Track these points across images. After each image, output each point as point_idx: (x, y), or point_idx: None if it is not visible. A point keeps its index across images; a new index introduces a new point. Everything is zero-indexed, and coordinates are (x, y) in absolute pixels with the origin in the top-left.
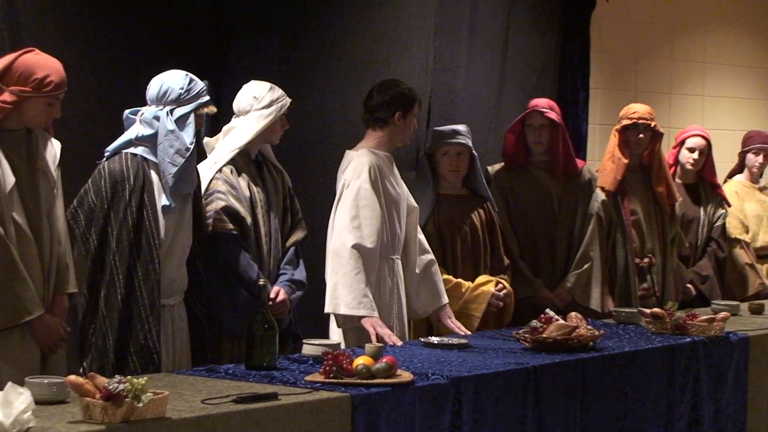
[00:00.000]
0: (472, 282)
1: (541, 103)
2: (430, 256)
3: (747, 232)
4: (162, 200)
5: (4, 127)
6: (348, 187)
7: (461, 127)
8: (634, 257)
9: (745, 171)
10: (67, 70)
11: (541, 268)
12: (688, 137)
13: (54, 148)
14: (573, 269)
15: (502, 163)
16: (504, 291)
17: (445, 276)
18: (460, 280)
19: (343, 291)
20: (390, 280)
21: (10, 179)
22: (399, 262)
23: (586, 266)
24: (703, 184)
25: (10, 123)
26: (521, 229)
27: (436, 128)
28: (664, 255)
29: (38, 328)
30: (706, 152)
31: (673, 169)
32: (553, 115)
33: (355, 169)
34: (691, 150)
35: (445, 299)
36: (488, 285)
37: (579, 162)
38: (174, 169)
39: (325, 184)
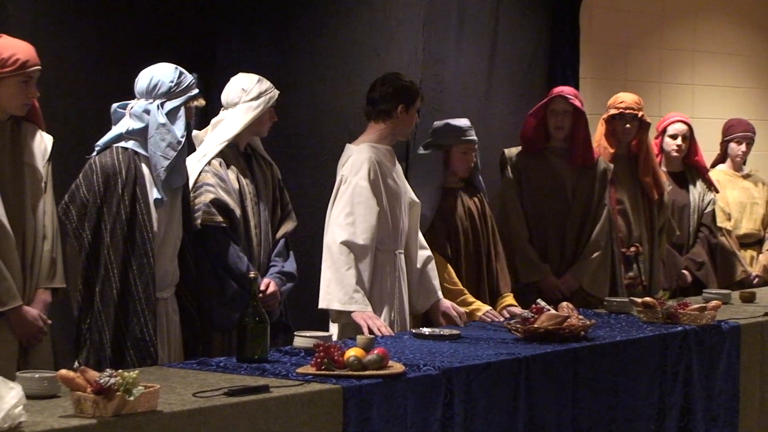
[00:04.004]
0: (475, 288)
1: (566, 89)
2: (428, 252)
3: (729, 219)
4: (154, 194)
5: None
6: (345, 183)
7: (468, 122)
8: (620, 246)
9: (728, 160)
10: (54, 65)
11: (550, 254)
12: (669, 124)
13: (44, 142)
14: (583, 257)
15: (519, 147)
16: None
17: (452, 279)
18: (464, 290)
19: (336, 287)
20: (393, 274)
21: None
22: (402, 256)
23: (596, 254)
24: (690, 170)
25: None
26: (533, 213)
27: (449, 122)
28: (651, 244)
29: (15, 321)
30: (689, 137)
31: (658, 158)
32: (577, 103)
33: (354, 165)
34: (674, 137)
35: (440, 294)
36: (481, 309)
37: (595, 151)
38: (166, 163)
39: (315, 176)
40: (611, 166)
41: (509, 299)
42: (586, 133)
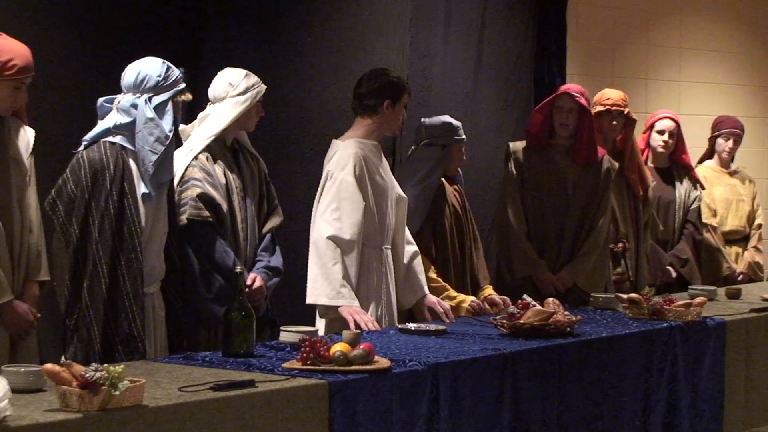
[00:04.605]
0: (460, 284)
1: (573, 87)
2: (414, 247)
3: (714, 216)
4: (141, 188)
5: None
6: (331, 178)
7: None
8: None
9: (715, 156)
10: (40, 59)
11: (547, 250)
12: (656, 120)
13: (27, 136)
14: (581, 255)
15: (525, 142)
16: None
17: (435, 277)
18: (446, 285)
19: (323, 282)
20: (379, 270)
21: None
22: (389, 252)
23: (594, 253)
24: (676, 167)
25: None
26: (533, 209)
27: (445, 120)
28: (637, 240)
29: (7, 315)
30: (676, 134)
31: (645, 153)
32: (583, 101)
33: (340, 160)
34: (661, 132)
35: (426, 290)
36: (466, 301)
37: (600, 150)
38: (154, 157)
39: (302, 171)
40: (616, 165)
41: (489, 290)
42: (590, 131)
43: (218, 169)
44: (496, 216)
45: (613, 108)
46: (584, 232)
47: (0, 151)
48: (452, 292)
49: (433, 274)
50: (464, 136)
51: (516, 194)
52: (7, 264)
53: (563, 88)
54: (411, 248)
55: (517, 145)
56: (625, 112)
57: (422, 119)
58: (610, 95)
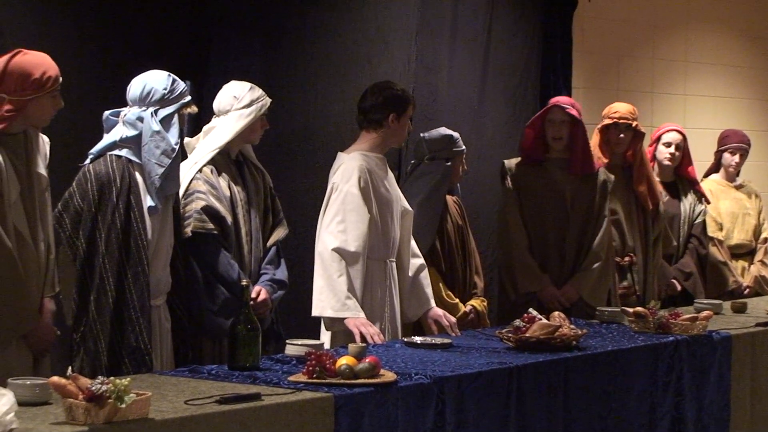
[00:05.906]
0: (465, 293)
1: (563, 99)
2: (420, 260)
3: (721, 230)
4: (147, 201)
5: (6, 131)
6: (336, 191)
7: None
8: (614, 256)
9: (722, 170)
10: None
11: (550, 265)
12: (663, 133)
13: (44, 146)
14: (583, 268)
15: (519, 158)
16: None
17: (448, 293)
18: (458, 301)
19: (328, 294)
20: (383, 283)
21: (16, 187)
22: (394, 265)
23: (596, 265)
24: (682, 181)
25: (13, 126)
26: (533, 224)
27: (445, 133)
28: (645, 254)
29: (32, 335)
30: (682, 147)
31: (651, 166)
32: (574, 112)
33: (344, 172)
34: (668, 145)
35: (432, 303)
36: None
37: (596, 162)
38: (161, 170)
39: (307, 184)
40: (612, 177)
41: (474, 301)
42: (584, 141)
43: (223, 182)
44: (498, 233)
45: (621, 121)
46: (585, 244)
47: (27, 167)
48: (463, 307)
49: (444, 291)
50: (464, 147)
51: (515, 210)
52: (38, 284)
53: (553, 101)
54: (417, 261)
55: (512, 162)
56: (633, 125)
57: (421, 134)
58: (618, 108)
